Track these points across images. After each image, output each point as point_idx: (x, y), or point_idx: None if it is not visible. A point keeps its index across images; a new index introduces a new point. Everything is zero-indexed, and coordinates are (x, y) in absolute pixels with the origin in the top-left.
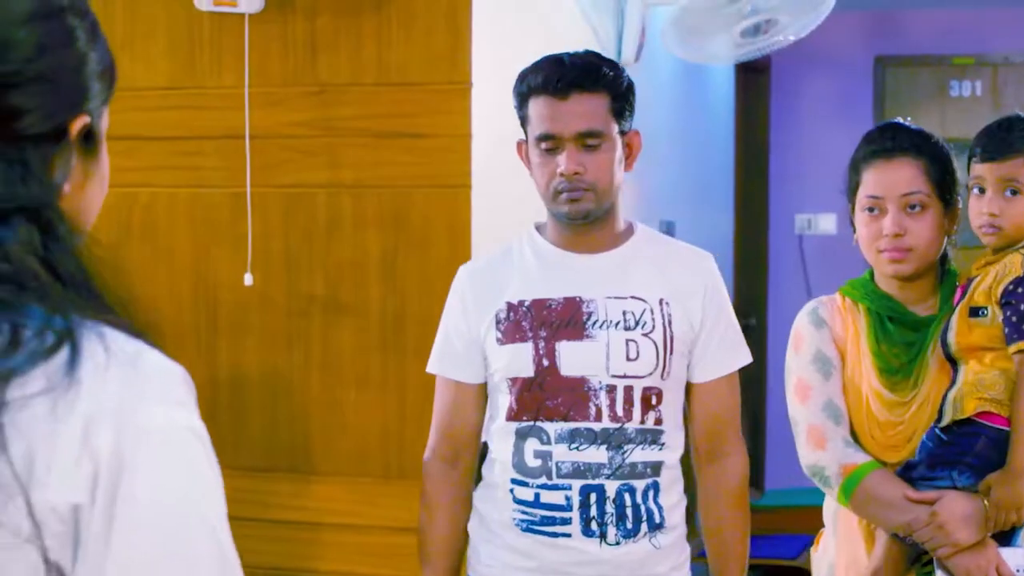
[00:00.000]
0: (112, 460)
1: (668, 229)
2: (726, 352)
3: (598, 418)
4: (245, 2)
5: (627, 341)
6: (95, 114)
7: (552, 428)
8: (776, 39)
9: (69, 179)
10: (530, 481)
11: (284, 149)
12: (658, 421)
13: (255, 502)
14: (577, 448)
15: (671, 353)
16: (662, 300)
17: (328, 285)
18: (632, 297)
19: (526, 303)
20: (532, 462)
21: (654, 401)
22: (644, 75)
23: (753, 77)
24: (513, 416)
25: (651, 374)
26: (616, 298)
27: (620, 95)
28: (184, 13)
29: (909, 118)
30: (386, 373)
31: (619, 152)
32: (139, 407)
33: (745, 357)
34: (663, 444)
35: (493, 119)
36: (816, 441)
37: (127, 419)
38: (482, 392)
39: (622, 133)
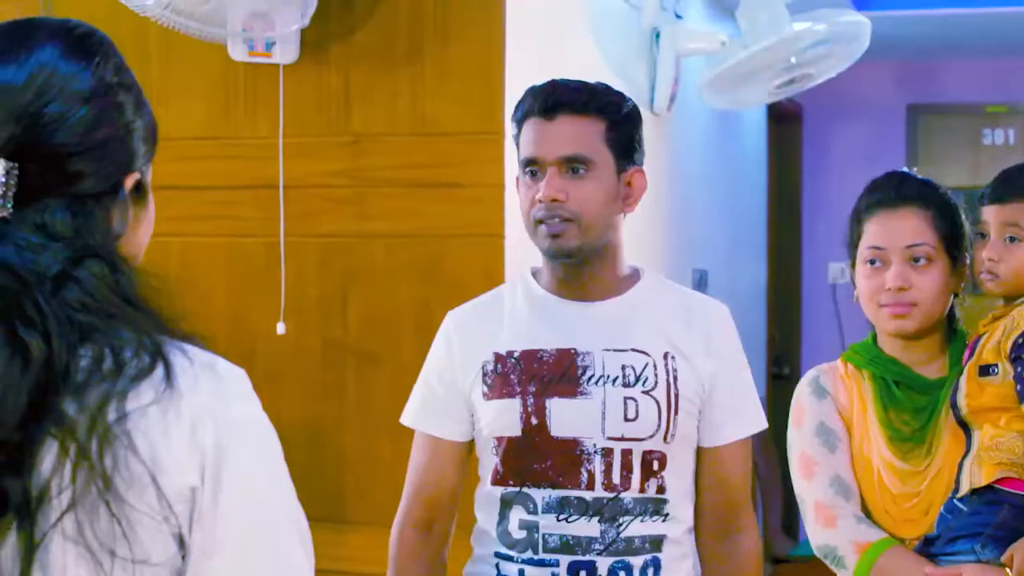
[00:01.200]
0: (215, 450)
1: (701, 278)
2: (740, 415)
3: (590, 486)
4: (280, 53)
5: (626, 399)
6: (143, 170)
7: (539, 495)
8: (800, 81)
9: (126, 226)
10: (515, 555)
11: (318, 199)
12: (661, 489)
13: None
14: (566, 519)
15: (676, 413)
16: (667, 354)
17: (362, 335)
18: (633, 350)
19: (516, 354)
20: (517, 533)
21: (656, 467)
22: (677, 124)
23: (786, 125)
24: (498, 480)
25: (652, 436)
26: (615, 351)
27: (617, 123)
28: (219, 63)
29: (915, 169)
30: None
31: (612, 186)
32: (228, 405)
33: (759, 422)
34: (667, 515)
35: None
36: (825, 519)
37: (221, 416)
38: (463, 451)
39: (621, 168)
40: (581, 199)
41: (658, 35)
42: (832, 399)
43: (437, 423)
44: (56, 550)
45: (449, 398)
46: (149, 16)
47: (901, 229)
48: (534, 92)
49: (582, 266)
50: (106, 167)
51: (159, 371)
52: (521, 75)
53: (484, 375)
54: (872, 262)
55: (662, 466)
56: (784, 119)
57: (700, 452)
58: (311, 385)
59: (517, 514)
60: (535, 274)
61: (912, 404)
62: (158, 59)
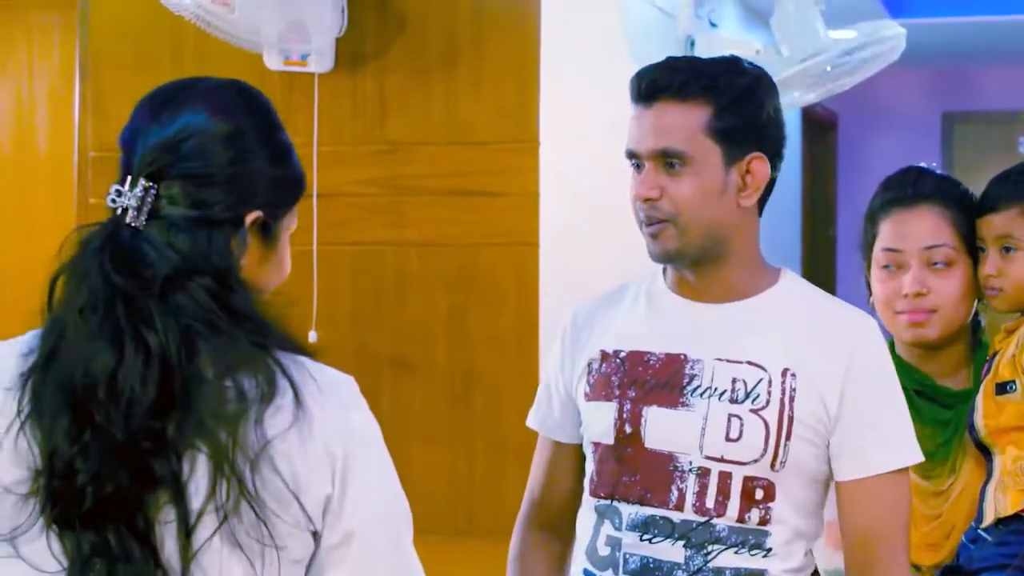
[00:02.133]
0: (343, 460)
1: None
2: (878, 445)
3: (679, 506)
4: (315, 62)
5: (730, 416)
6: (272, 213)
7: (626, 511)
8: (840, 83)
9: (245, 256)
10: (598, 573)
11: (352, 207)
12: (764, 521)
13: None
14: (649, 540)
15: (787, 438)
16: (787, 370)
17: (396, 342)
18: (748, 363)
19: (622, 354)
20: (603, 550)
21: (760, 496)
22: None
23: (820, 133)
24: (594, 490)
25: (756, 461)
26: (728, 361)
27: (726, 107)
28: (254, 72)
29: (934, 164)
30: (454, 430)
31: (718, 180)
32: (347, 416)
33: (908, 455)
34: (768, 551)
35: (561, 177)
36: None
37: (343, 427)
38: (582, 454)
39: (732, 158)
40: (676, 197)
41: (693, 43)
42: None
43: (552, 425)
44: (213, 553)
45: (562, 400)
46: (185, 15)
47: (918, 229)
48: (637, 74)
49: (699, 267)
50: (228, 200)
51: (289, 394)
52: (555, 84)
53: (589, 373)
54: (887, 266)
55: (768, 496)
56: (819, 127)
57: (837, 487)
58: None
59: (606, 530)
60: (666, 269)
61: (935, 417)
62: (193, 68)
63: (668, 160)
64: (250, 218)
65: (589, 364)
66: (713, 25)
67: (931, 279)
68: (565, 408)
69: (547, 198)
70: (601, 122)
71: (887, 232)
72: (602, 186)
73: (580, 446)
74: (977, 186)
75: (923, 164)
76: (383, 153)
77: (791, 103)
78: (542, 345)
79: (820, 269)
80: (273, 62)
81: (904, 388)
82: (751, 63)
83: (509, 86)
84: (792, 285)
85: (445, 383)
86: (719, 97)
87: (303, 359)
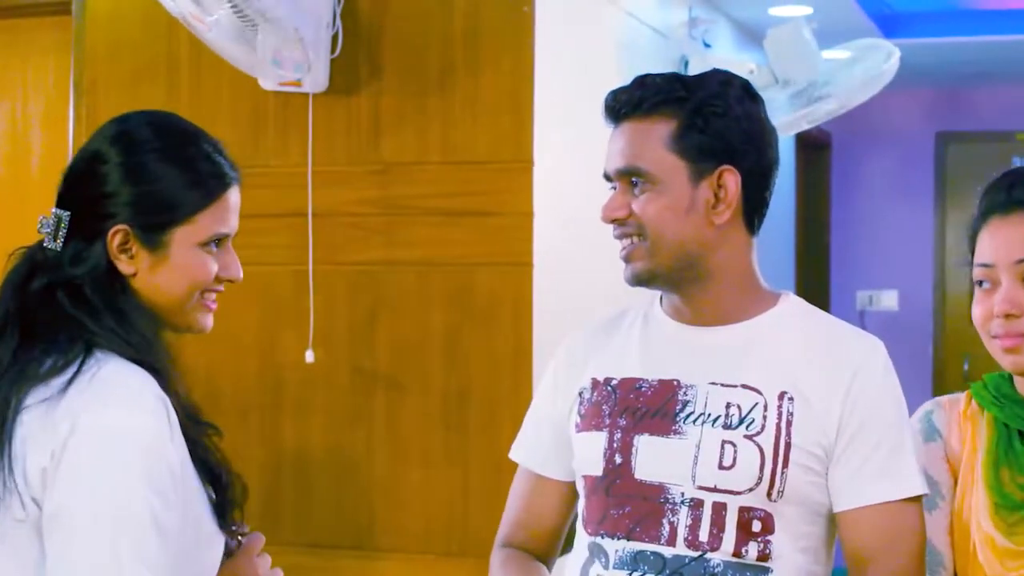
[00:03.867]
0: (66, 439)
1: None
2: (880, 475)
3: (671, 541)
4: (310, 82)
5: (723, 443)
6: (145, 226)
7: (612, 548)
8: (828, 108)
9: (131, 264)
10: None
11: (347, 227)
12: (764, 556)
13: None
14: None
15: (785, 465)
16: (784, 394)
17: (391, 363)
18: (743, 386)
19: (613, 382)
20: None
21: (757, 528)
22: None
23: (815, 153)
24: (584, 525)
25: (751, 490)
26: (722, 385)
27: (693, 120)
28: (249, 92)
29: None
30: (449, 451)
31: (684, 197)
32: (98, 408)
33: (910, 487)
34: None
35: (556, 197)
36: None
37: (86, 415)
38: (569, 491)
39: (700, 173)
40: (641, 217)
41: (687, 63)
42: (943, 442)
43: (539, 458)
44: None
45: (553, 433)
46: (184, 17)
47: (1012, 240)
48: (609, 93)
49: (684, 290)
50: (86, 219)
51: (67, 377)
52: (550, 104)
53: (580, 403)
54: (981, 283)
55: (766, 528)
56: (813, 147)
57: (836, 518)
58: (340, 413)
59: (595, 570)
60: (663, 295)
61: None
62: (188, 86)
63: (632, 179)
64: (111, 234)
65: (580, 394)
66: (707, 45)
67: None
68: (556, 442)
69: (541, 218)
70: (595, 143)
71: (981, 245)
72: (596, 206)
73: (566, 484)
74: (970, 207)
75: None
76: (377, 173)
77: (782, 128)
78: (536, 365)
79: (814, 288)
80: (268, 82)
81: (1005, 426)
82: (732, 74)
83: (503, 107)
84: (792, 308)
85: (440, 403)
86: (682, 110)
87: (116, 359)
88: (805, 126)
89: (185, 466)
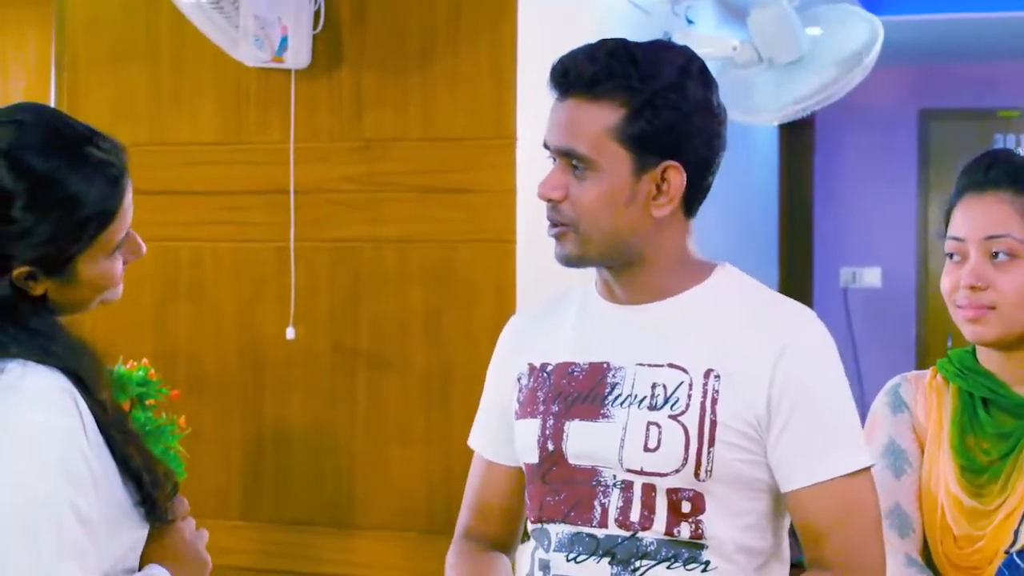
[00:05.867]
0: None
1: None
2: (824, 450)
3: (603, 522)
4: (292, 58)
5: (648, 424)
6: (49, 263)
7: (554, 531)
8: (820, 97)
9: (42, 288)
10: None
11: (329, 204)
12: (697, 535)
13: (298, 556)
14: (575, 560)
15: (711, 444)
16: (710, 371)
17: (372, 340)
18: (669, 365)
19: (549, 367)
20: (536, 574)
21: (686, 509)
22: None
23: (797, 132)
24: (528, 513)
25: (677, 471)
26: (649, 366)
27: (640, 111)
28: (231, 69)
29: (1020, 149)
30: (430, 428)
31: (623, 188)
32: (8, 409)
33: (853, 460)
34: (707, 565)
35: (538, 174)
36: None
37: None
38: (523, 478)
39: (643, 166)
40: (577, 203)
41: (670, 40)
42: (910, 414)
43: (486, 443)
44: None
45: (499, 418)
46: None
47: (982, 217)
48: (558, 60)
49: (616, 270)
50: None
51: None
52: (532, 81)
53: (519, 389)
54: (952, 256)
55: (696, 509)
56: (795, 124)
57: (784, 498)
58: (321, 390)
59: (538, 554)
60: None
61: (997, 429)
62: (170, 64)
63: (572, 162)
64: (17, 273)
65: (519, 379)
66: (690, 22)
67: (990, 272)
68: (502, 427)
69: (524, 195)
70: None
71: (955, 219)
72: None
73: (516, 469)
74: (953, 185)
75: (1006, 148)
76: (360, 150)
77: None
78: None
79: (797, 266)
80: (249, 58)
81: (970, 395)
82: (685, 50)
83: (486, 83)
84: (724, 279)
85: (422, 380)
86: (632, 98)
87: (28, 365)
88: (798, 115)
89: (104, 462)
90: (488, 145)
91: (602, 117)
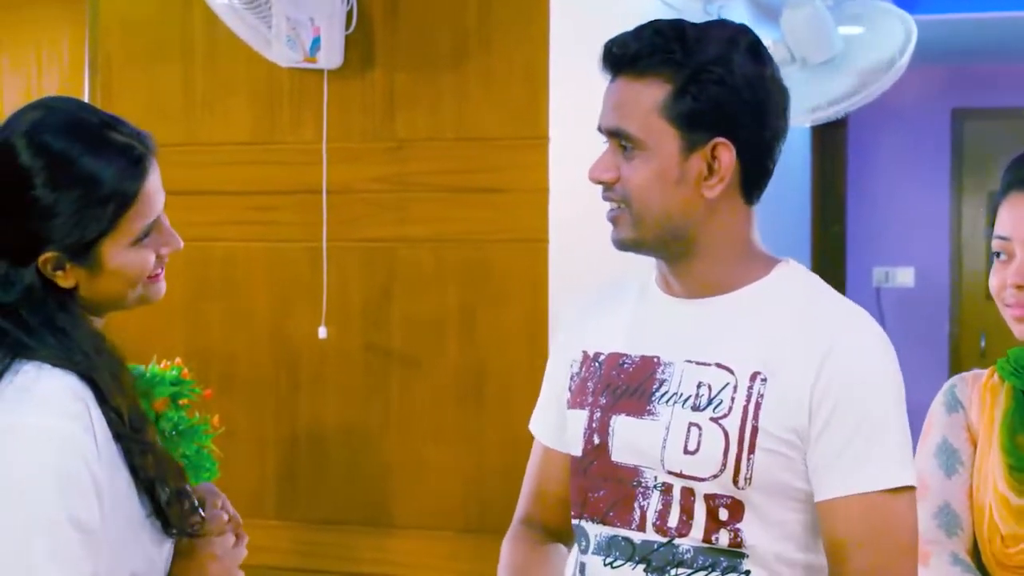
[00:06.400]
0: None
1: None
2: (853, 462)
3: (640, 526)
4: (324, 58)
5: (690, 425)
6: (72, 249)
7: (592, 532)
8: (854, 99)
9: (72, 280)
10: None
11: (361, 204)
12: (736, 543)
13: (333, 555)
14: (611, 564)
15: (751, 451)
16: (756, 374)
17: (405, 339)
18: (717, 365)
19: (601, 356)
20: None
21: (725, 516)
22: None
23: (830, 131)
24: (571, 507)
25: (715, 476)
26: (697, 363)
27: (688, 87)
28: (264, 69)
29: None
30: (464, 427)
31: (672, 168)
32: (10, 410)
33: (890, 477)
34: (747, 574)
35: (571, 173)
36: (920, 555)
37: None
38: None
39: (692, 144)
40: (626, 183)
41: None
42: (964, 413)
43: (547, 430)
44: None
45: (558, 401)
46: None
47: None
48: (606, 42)
49: (671, 260)
50: (14, 247)
51: None
52: (564, 80)
53: (572, 378)
54: (999, 254)
55: (735, 515)
56: (828, 124)
57: (817, 508)
58: (353, 389)
59: (577, 555)
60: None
61: None
62: (203, 64)
63: (621, 142)
64: (43, 259)
65: (571, 366)
66: None
67: None
68: (557, 413)
69: (556, 194)
70: None
71: (1001, 217)
72: None
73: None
74: (988, 183)
75: None
76: (392, 150)
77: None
78: (551, 341)
79: (829, 267)
80: (282, 59)
81: (1022, 396)
82: (738, 25)
83: (518, 82)
84: (785, 276)
85: (455, 379)
86: (677, 74)
87: (41, 367)
88: (831, 117)
89: (114, 470)
90: (521, 144)
91: (649, 95)
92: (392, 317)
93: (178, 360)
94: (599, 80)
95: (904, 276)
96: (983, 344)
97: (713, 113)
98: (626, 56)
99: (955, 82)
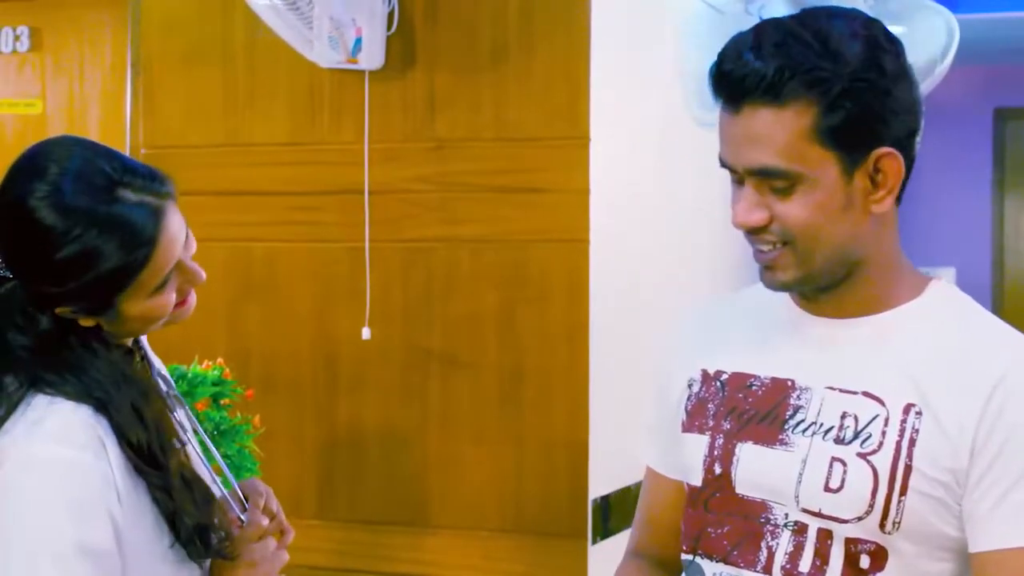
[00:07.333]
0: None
1: None
2: (1016, 512)
3: (767, 568)
4: (365, 59)
5: (832, 460)
6: (87, 308)
7: (710, 570)
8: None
9: (93, 322)
10: None
11: (402, 204)
12: None
13: (373, 555)
14: None
15: (903, 493)
16: (910, 407)
17: (446, 340)
18: (864, 394)
19: (724, 376)
20: None
21: (866, 563)
22: None
23: None
24: (682, 540)
25: (860, 519)
26: (840, 391)
27: (839, 101)
28: (305, 70)
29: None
30: (504, 428)
31: (838, 192)
32: (23, 440)
33: None
34: None
35: (611, 173)
36: None
37: (11, 445)
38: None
39: (854, 161)
40: (788, 222)
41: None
42: None
43: (656, 454)
44: None
45: (670, 424)
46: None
47: None
48: (716, 67)
49: (831, 285)
50: (34, 298)
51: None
52: (605, 80)
53: (688, 398)
54: None
55: (877, 564)
56: None
57: (971, 559)
58: (395, 390)
59: None
60: None
61: None
62: (244, 65)
63: (769, 183)
64: (60, 311)
65: (689, 385)
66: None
67: None
68: (671, 436)
69: (597, 195)
70: (651, 118)
71: None
72: (653, 182)
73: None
74: None
75: None
76: (433, 150)
77: None
78: (592, 343)
79: None
80: (324, 59)
81: None
82: (857, 13)
83: (559, 82)
84: (940, 297)
85: (494, 380)
86: (825, 91)
87: (54, 400)
88: None
89: (134, 498)
90: (562, 145)
91: (792, 121)
92: (432, 317)
93: (220, 360)
94: (640, 79)
95: (946, 277)
96: None
97: (871, 123)
98: (755, 82)
99: (997, 82)
